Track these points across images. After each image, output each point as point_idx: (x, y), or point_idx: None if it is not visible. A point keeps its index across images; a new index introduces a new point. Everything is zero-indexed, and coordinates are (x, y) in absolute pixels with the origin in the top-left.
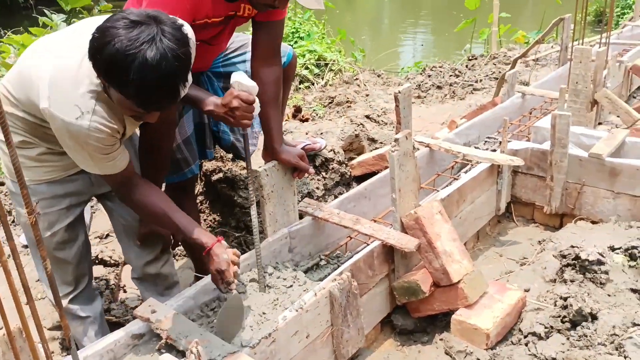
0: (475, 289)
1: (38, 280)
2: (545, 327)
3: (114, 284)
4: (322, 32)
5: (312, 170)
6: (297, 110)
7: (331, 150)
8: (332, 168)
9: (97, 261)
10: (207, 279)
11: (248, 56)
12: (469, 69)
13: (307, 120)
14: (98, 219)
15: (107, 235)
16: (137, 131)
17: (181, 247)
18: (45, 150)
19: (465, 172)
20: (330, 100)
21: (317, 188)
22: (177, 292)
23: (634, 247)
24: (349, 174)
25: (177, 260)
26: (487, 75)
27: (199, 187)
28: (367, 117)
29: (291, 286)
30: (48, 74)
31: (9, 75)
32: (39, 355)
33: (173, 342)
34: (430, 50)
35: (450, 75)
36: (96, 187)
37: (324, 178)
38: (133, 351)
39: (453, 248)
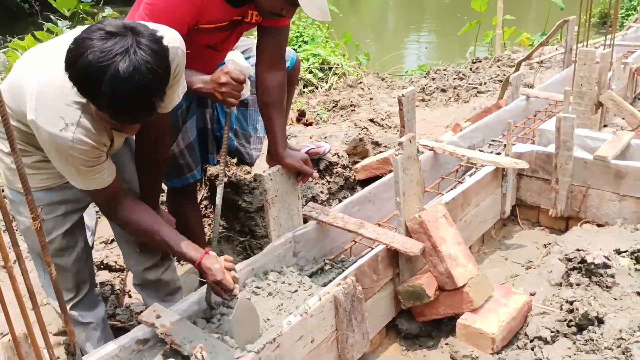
0: (481, 293)
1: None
2: (551, 331)
3: (119, 289)
4: (326, 36)
5: (316, 174)
6: (301, 114)
7: (335, 154)
8: (336, 172)
9: (102, 266)
10: None
11: (253, 60)
12: (473, 72)
13: (311, 124)
14: (103, 224)
15: (112, 240)
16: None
17: None
18: (41, 158)
19: (470, 175)
20: (334, 104)
21: (322, 192)
22: (180, 298)
23: None
24: (353, 177)
25: (181, 265)
26: (491, 78)
27: (203, 192)
28: (371, 120)
29: (296, 291)
30: (36, 86)
31: (3, 85)
32: None
33: (178, 347)
34: (434, 53)
35: (455, 78)
36: None
37: (328, 182)
38: (138, 356)
39: (458, 252)
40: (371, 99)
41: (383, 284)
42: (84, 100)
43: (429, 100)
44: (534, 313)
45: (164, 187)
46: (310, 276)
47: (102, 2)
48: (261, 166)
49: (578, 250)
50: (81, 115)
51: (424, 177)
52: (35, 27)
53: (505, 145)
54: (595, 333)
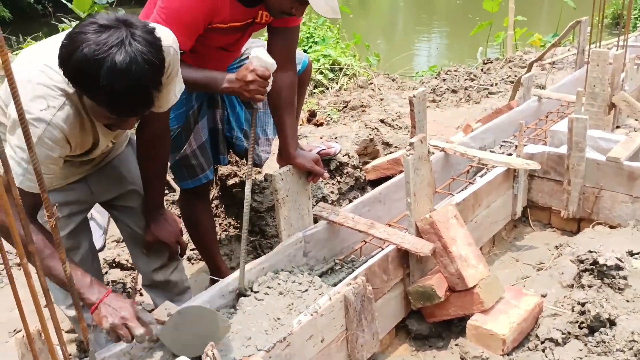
0: (491, 294)
1: None
2: (563, 333)
3: (130, 288)
4: (337, 37)
5: (326, 174)
6: (312, 114)
7: (346, 154)
8: (347, 172)
9: (114, 265)
10: (223, 282)
11: None
12: (484, 73)
13: (321, 124)
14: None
15: None
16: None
17: (196, 251)
18: None
19: (481, 176)
20: (344, 105)
21: (332, 192)
22: (189, 298)
23: None
24: (363, 178)
25: (192, 264)
26: (502, 79)
27: (214, 192)
28: (382, 121)
29: (306, 290)
30: (26, 75)
31: (3, 87)
32: (58, 357)
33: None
34: (445, 54)
35: (466, 79)
36: (96, 196)
37: (339, 182)
38: (149, 353)
39: (468, 252)
40: (382, 99)
41: (393, 284)
42: (71, 90)
43: (440, 101)
44: (545, 314)
45: (177, 187)
46: (320, 276)
47: (115, 3)
48: (272, 166)
49: (590, 251)
50: (65, 102)
51: (435, 178)
52: (48, 29)
53: (516, 146)
54: (607, 335)
